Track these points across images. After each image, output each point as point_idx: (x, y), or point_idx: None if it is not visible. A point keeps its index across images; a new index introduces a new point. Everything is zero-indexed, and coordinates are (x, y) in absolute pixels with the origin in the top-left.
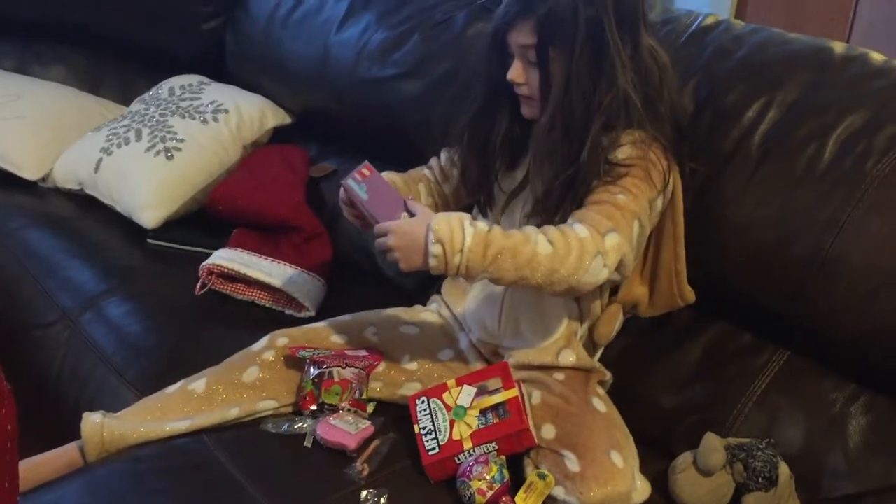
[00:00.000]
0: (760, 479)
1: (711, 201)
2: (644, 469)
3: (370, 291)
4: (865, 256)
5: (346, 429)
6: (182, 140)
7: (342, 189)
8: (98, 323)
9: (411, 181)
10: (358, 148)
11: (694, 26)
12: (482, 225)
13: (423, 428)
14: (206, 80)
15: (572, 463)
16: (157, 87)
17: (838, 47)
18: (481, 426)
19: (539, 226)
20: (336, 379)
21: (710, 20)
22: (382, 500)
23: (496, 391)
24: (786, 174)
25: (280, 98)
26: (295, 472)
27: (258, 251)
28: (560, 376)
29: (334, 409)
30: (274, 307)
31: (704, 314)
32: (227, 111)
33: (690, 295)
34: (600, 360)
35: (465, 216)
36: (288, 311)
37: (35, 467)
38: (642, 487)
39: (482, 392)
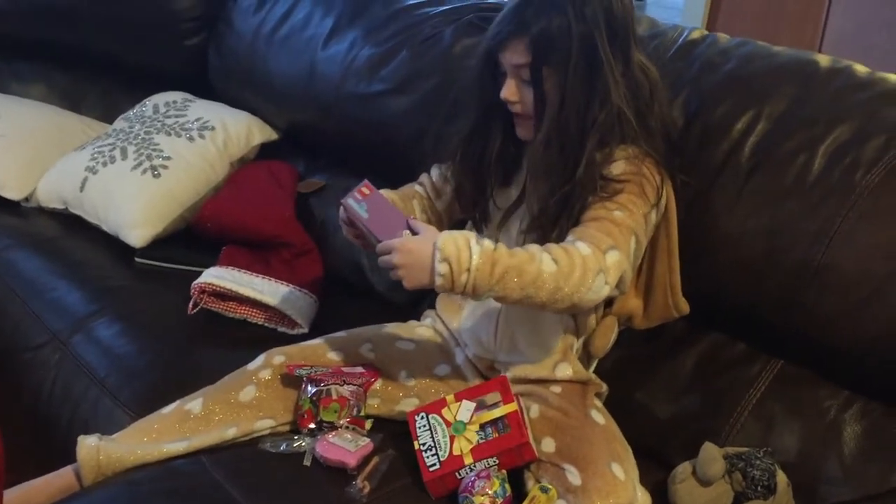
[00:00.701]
0: (759, 488)
1: (703, 213)
2: (642, 480)
3: (362, 307)
4: (857, 265)
5: (345, 446)
6: (168, 158)
7: (342, 209)
8: (89, 344)
9: (406, 198)
10: (345, 163)
11: (680, 40)
12: (488, 243)
13: (423, 444)
14: (190, 96)
15: (574, 476)
16: (140, 105)
17: (823, 60)
18: (481, 441)
19: (536, 242)
20: (334, 396)
21: (696, 34)
22: None
23: (495, 405)
24: (776, 186)
25: (266, 114)
26: (295, 491)
27: (249, 268)
28: (557, 389)
29: (332, 427)
30: (266, 325)
31: (697, 325)
32: (213, 128)
33: (685, 306)
34: (595, 372)
35: (471, 235)
36: (281, 329)
37: (30, 493)
38: (643, 499)
39: (481, 407)
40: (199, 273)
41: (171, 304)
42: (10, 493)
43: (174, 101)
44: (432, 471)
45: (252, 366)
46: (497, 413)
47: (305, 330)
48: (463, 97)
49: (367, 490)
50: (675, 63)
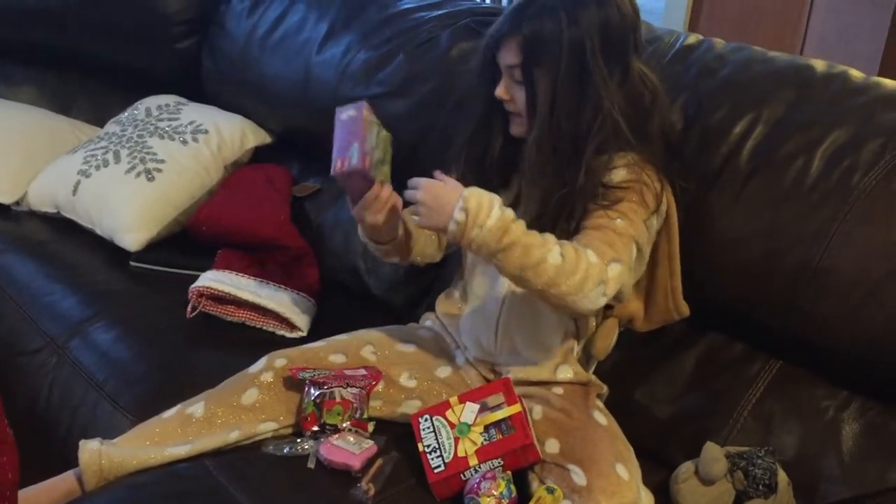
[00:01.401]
0: (760, 487)
1: (702, 216)
2: (643, 479)
3: (359, 310)
4: (854, 266)
5: (349, 449)
6: (162, 161)
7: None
8: (86, 349)
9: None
10: None
11: (677, 45)
12: (510, 212)
13: (428, 446)
14: (182, 99)
15: (579, 477)
16: (132, 108)
17: (819, 65)
18: (486, 442)
19: None
20: (337, 399)
21: (692, 39)
22: None
23: (499, 407)
24: (774, 189)
25: (259, 117)
26: (300, 494)
27: (245, 272)
28: (559, 391)
29: (335, 430)
30: (265, 328)
31: (695, 326)
32: (206, 131)
33: (685, 309)
34: (594, 374)
35: (498, 199)
36: (279, 332)
37: (32, 498)
38: (647, 499)
39: (485, 408)
40: (195, 276)
41: (167, 307)
42: None
43: (167, 105)
44: (437, 472)
45: (254, 368)
46: (501, 414)
47: (304, 333)
48: (467, 96)
49: (371, 492)
50: (672, 67)
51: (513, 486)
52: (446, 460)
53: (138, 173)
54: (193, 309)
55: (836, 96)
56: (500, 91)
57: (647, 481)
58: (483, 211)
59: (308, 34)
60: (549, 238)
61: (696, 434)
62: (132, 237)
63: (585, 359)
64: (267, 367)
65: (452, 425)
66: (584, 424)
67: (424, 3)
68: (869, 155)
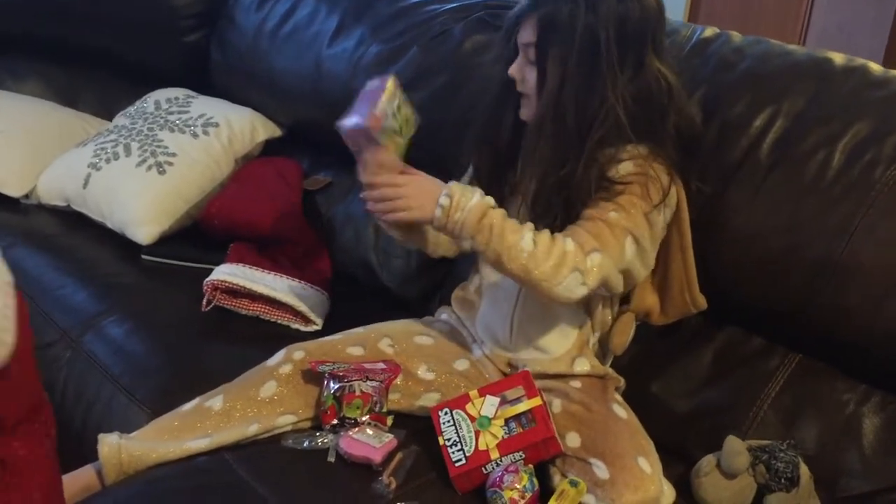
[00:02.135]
0: (783, 480)
1: (722, 210)
2: (663, 473)
3: (372, 304)
4: (877, 260)
5: (370, 442)
6: (173, 154)
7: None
8: (101, 343)
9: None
10: (351, 161)
11: (694, 38)
12: (491, 199)
13: (448, 439)
14: (192, 93)
15: (601, 470)
16: (141, 101)
17: (838, 58)
18: (507, 436)
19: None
20: (357, 393)
21: (708, 32)
22: None
23: (519, 400)
24: (795, 182)
25: (269, 110)
26: (322, 488)
27: (258, 265)
28: (577, 384)
29: (355, 423)
30: (279, 321)
31: (713, 319)
32: (217, 124)
33: (703, 302)
34: (612, 367)
35: (479, 189)
36: (294, 326)
37: None
38: (668, 492)
39: (505, 402)
40: (206, 270)
41: (180, 300)
42: None
43: (176, 98)
44: (458, 466)
45: (272, 361)
46: (522, 407)
47: (319, 326)
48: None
49: (393, 486)
50: (690, 61)
51: (535, 480)
52: (467, 454)
53: (149, 166)
54: (209, 303)
55: (855, 90)
56: (512, 69)
57: (667, 475)
58: (465, 195)
59: (318, 27)
60: (527, 225)
61: (715, 428)
62: (144, 230)
63: (602, 353)
64: (286, 360)
65: (473, 419)
66: (605, 418)
67: None
68: (891, 148)
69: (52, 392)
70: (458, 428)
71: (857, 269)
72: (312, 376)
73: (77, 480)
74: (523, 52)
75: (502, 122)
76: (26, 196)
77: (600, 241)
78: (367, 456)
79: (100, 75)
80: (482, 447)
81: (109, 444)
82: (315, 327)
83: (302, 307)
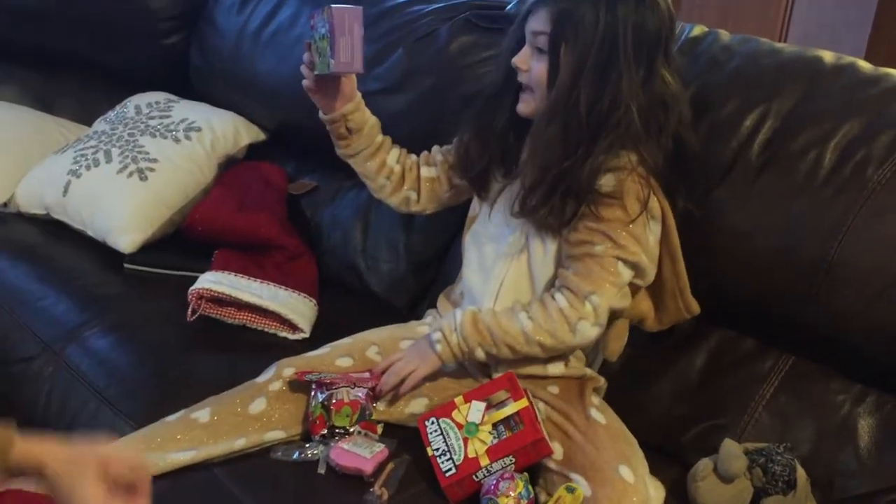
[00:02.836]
0: (780, 483)
1: (713, 211)
2: (657, 477)
3: (360, 309)
4: (870, 260)
5: (360, 453)
6: (155, 160)
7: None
8: (84, 355)
9: (386, 142)
10: (337, 164)
11: (683, 37)
12: (473, 307)
13: (437, 449)
14: (172, 97)
15: (583, 486)
16: (121, 106)
17: (827, 56)
18: (495, 441)
19: (523, 227)
20: (346, 400)
21: (697, 31)
22: None
23: (505, 403)
24: (787, 182)
25: (252, 114)
26: (313, 501)
27: (244, 272)
28: (555, 390)
29: (345, 433)
30: (266, 330)
31: (706, 321)
32: (199, 129)
33: (696, 307)
34: (605, 369)
35: (455, 310)
36: (281, 334)
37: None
38: (656, 494)
39: (490, 406)
40: (191, 278)
41: (164, 310)
42: None
43: (157, 102)
44: (449, 476)
45: (262, 378)
46: (509, 411)
47: (307, 334)
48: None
49: (385, 497)
50: (679, 59)
51: (531, 487)
52: (457, 462)
53: (131, 173)
54: (194, 312)
55: (846, 88)
56: (518, 58)
57: (662, 479)
58: (448, 319)
59: (301, 29)
60: (516, 308)
61: (710, 430)
62: (126, 238)
63: (593, 357)
64: (275, 377)
65: (460, 426)
66: (585, 428)
67: None
68: (882, 147)
69: (34, 407)
70: (446, 437)
71: (850, 269)
72: (301, 391)
73: None
74: (532, 41)
75: (499, 112)
76: (4, 204)
77: (592, 281)
78: (358, 467)
79: (78, 80)
80: (471, 455)
81: None
82: (302, 335)
83: (289, 315)
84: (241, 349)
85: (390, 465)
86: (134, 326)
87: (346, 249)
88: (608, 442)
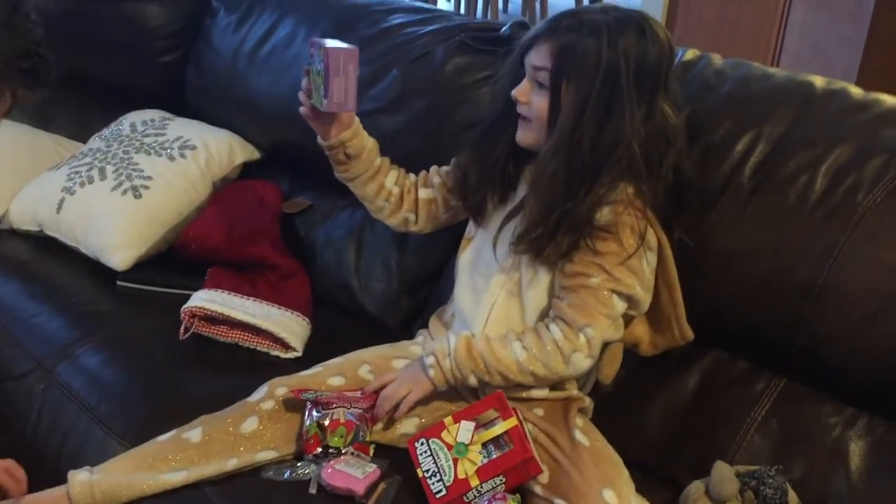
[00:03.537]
0: None
1: (705, 234)
2: (648, 498)
3: (353, 328)
4: (861, 284)
5: (353, 473)
6: (149, 178)
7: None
8: (76, 372)
9: (385, 164)
10: (332, 183)
11: (675, 61)
12: (467, 332)
13: (427, 471)
14: (168, 114)
15: None
16: (116, 123)
17: (818, 81)
18: (485, 461)
19: (522, 261)
20: (342, 420)
21: (690, 55)
22: None
23: (494, 423)
24: (778, 206)
25: (248, 133)
26: None
27: (237, 291)
28: (540, 412)
29: (338, 453)
30: (259, 348)
31: (698, 343)
32: (194, 147)
33: (690, 334)
34: (597, 391)
35: (448, 333)
36: (274, 353)
37: None
38: None
39: (479, 426)
40: (184, 296)
41: (156, 328)
42: None
43: (152, 120)
44: (439, 497)
45: (254, 397)
46: (498, 430)
47: (299, 353)
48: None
49: None
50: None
51: None
52: (447, 484)
53: (125, 190)
54: (186, 330)
55: (837, 113)
56: (518, 91)
57: (653, 500)
58: (442, 343)
59: (297, 49)
60: (510, 336)
61: (702, 452)
62: (119, 256)
63: (585, 378)
64: (268, 396)
65: (449, 447)
66: (569, 451)
67: (415, 19)
68: (872, 172)
69: (25, 424)
70: (436, 458)
71: (841, 293)
72: (294, 411)
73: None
74: (532, 75)
75: (498, 140)
76: None
77: (587, 314)
78: (349, 487)
79: (73, 97)
80: (461, 475)
81: (80, 482)
82: (295, 354)
83: (282, 334)
84: (234, 368)
85: (382, 486)
86: (126, 344)
87: (339, 269)
88: (592, 465)
